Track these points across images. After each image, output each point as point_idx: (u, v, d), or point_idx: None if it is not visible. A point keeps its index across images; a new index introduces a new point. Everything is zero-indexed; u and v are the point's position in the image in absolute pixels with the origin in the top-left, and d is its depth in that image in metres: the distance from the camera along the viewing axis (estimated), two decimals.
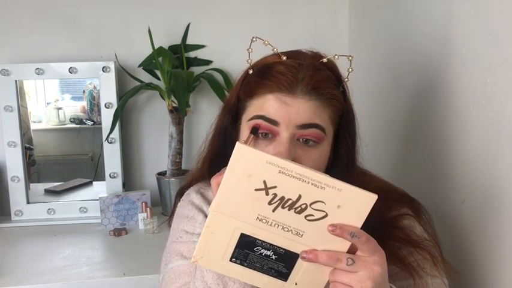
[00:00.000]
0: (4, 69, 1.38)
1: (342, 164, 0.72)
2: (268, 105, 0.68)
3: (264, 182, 0.52)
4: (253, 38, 0.72)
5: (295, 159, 0.66)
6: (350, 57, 0.72)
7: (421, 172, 1.00)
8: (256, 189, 0.53)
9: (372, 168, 0.82)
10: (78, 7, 1.46)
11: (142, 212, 1.36)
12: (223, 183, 0.53)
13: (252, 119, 0.69)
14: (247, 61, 0.73)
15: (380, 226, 0.68)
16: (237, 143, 0.52)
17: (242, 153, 0.52)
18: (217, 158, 0.79)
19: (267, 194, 0.53)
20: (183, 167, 1.48)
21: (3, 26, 1.44)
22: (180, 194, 0.89)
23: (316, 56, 0.72)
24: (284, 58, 0.71)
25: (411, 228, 0.71)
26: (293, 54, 0.72)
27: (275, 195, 0.53)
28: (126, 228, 1.34)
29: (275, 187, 0.52)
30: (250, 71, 0.73)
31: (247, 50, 0.73)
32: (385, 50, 1.22)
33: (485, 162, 0.76)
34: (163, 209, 1.47)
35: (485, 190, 0.76)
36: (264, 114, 0.68)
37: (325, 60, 0.71)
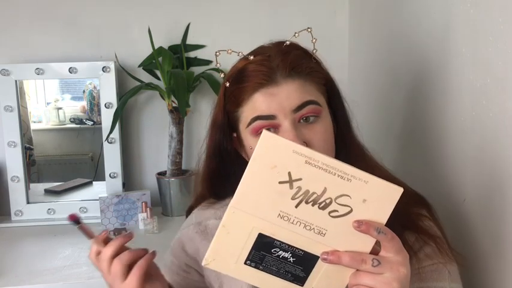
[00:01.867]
0: (4, 69, 1.38)
1: (341, 131, 0.74)
2: (258, 103, 0.68)
3: (289, 173, 0.50)
4: (216, 52, 0.73)
5: (306, 141, 0.67)
6: (309, 29, 0.74)
7: (421, 172, 1.00)
8: (280, 182, 0.50)
9: None
10: (78, 7, 1.46)
11: (142, 212, 1.36)
12: (245, 176, 0.51)
13: (249, 124, 0.69)
14: (220, 76, 0.74)
15: (402, 221, 0.67)
16: (264, 130, 0.50)
17: (269, 142, 0.50)
18: (217, 177, 0.78)
19: (291, 187, 0.50)
20: (183, 167, 1.48)
21: (3, 26, 1.44)
22: (188, 213, 0.89)
23: (279, 43, 0.73)
24: (251, 58, 0.71)
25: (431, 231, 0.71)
26: (258, 51, 0.73)
27: (299, 188, 0.50)
28: (126, 228, 1.34)
29: (300, 179, 0.50)
30: (227, 84, 0.73)
31: (216, 65, 0.74)
32: (385, 49, 1.22)
33: (485, 162, 0.76)
34: (163, 209, 1.47)
35: (485, 190, 0.76)
36: (258, 114, 0.68)
37: (287, 42, 0.72)
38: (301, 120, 0.68)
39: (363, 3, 1.40)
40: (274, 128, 0.68)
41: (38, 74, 1.41)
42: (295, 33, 0.73)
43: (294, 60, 0.70)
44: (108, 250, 0.64)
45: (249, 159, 0.75)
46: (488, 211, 0.75)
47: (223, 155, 0.76)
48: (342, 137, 0.74)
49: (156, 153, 1.55)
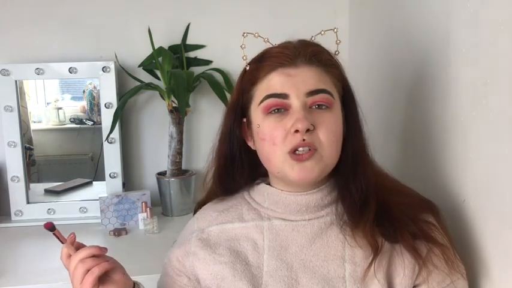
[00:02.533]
0: (4, 69, 1.38)
1: (353, 135, 0.75)
2: (274, 82, 0.70)
3: None
4: (244, 33, 0.75)
5: (314, 125, 0.69)
6: (335, 30, 0.76)
7: (421, 172, 1.00)
8: None
9: None
10: (78, 7, 1.46)
11: (142, 212, 1.36)
12: None
13: (262, 101, 0.71)
14: (243, 58, 0.75)
15: (411, 230, 0.71)
16: None
17: None
18: (225, 163, 0.79)
19: None
20: (183, 167, 1.48)
21: (3, 26, 1.44)
22: (196, 209, 0.89)
23: (304, 39, 0.76)
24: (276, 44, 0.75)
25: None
26: (283, 42, 0.76)
27: None
28: (126, 228, 1.34)
29: None
30: (248, 67, 0.75)
31: (241, 46, 0.75)
32: (385, 50, 1.22)
33: (485, 162, 0.76)
34: (163, 209, 1.47)
35: (485, 190, 0.76)
36: (272, 92, 0.70)
37: (313, 38, 0.76)
38: (313, 107, 0.70)
39: (363, 3, 1.40)
40: (285, 109, 0.70)
41: (38, 74, 1.40)
42: (322, 31, 0.75)
43: (316, 49, 0.73)
44: (79, 255, 0.70)
45: (254, 145, 0.76)
46: (488, 211, 0.75)
47: (232, 140, 0.77)
48: (351, 142, 0.74)
49: (156, 153, 1.55)
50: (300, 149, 0.69)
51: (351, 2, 1.51)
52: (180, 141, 1.44)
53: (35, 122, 1.56)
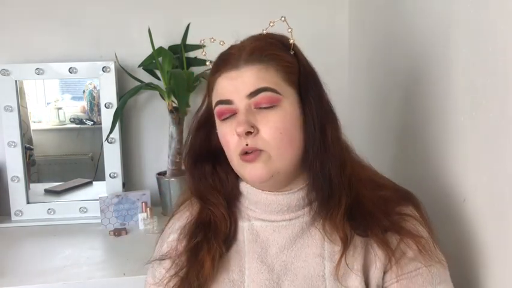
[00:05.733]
0: (4, 69, 1.38)
1: (312, 127, 0.70)
2: (220, 88, 0.70)
3: None
4: (211, 38, 0.76)
5: (256, 126, 0.67)
6: (283, 18, 0.73)
7: (421, 172, 1.00)
8: None
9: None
10: (78, 7, 1.46)
11: (142, 212, 1.36)
12: None
13: (214, 108, 0.71)
14: (207, 63, 0.76)
15: (383, 224, 0.70)
16: None
17: None
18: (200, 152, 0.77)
19: None
20: (183, 167, 1.48)
21: (3, 26, 1.44)
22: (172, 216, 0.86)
23: (259, 34, 0.74)
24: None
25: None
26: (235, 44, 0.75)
27: None
28: (126, 228, 1.34)
29: None
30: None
31: (202, 53, 0.75)
32: (385, 49, 1.22)
33: (485, 162, 0.76)
34: (163, 209, 1.47)
35: (485, 190, 0.76)
36: (219, 98, 0.70)
37: (264, 32, 0.73)
38: (259, 108, 0.68)
39: (363, 3, 1.40)
40: (233, 114, 0.69)
41: (38, 74, 1.40)
42: (271, 22, 0.74)
43: (260, 46, 0.70)
44: None
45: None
46: (488, 211, 0.75)
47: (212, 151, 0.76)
48: (318, 132, 0.69)
49: (156, 153, 1.55)
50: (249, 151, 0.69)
51: (350, 2, 1.51)
52: (180, 141, 1.44)
53: (35, 122, 1.56)
